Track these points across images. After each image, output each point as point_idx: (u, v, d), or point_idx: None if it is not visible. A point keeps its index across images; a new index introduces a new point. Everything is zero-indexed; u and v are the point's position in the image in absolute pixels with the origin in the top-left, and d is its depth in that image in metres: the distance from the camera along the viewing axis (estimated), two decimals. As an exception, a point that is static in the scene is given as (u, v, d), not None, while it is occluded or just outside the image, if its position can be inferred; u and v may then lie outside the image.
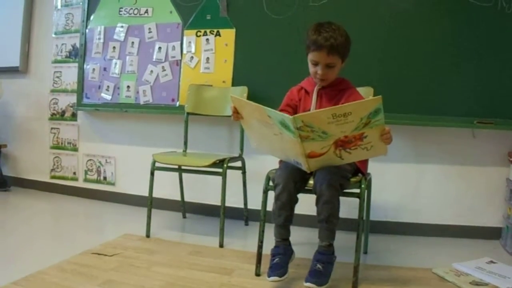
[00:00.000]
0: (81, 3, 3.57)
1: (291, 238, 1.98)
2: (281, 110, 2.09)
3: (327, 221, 1.81)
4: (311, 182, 1.90)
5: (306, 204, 1.96)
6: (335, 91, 2.05)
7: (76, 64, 3.59)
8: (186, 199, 3.15)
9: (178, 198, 3.13)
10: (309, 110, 2.05)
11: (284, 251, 1.92)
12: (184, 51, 3.19)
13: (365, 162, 2.05)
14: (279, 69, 2.91)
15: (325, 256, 1.83)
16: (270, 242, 1.99)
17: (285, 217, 1.91)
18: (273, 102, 2.03)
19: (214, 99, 3.01)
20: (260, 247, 2.05)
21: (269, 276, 1.83)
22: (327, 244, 1.85)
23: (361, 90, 2.14)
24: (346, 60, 2.02)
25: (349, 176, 1.93)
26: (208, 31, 3.12)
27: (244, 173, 2.89)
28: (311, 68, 2.01)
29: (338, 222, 1.84)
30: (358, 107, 1.61)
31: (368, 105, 1.61)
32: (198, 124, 3.15)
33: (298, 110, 2.11)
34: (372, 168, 2.18)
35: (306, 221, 2.50)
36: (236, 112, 1.89)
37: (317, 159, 1.79)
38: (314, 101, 2.06)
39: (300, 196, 1.93)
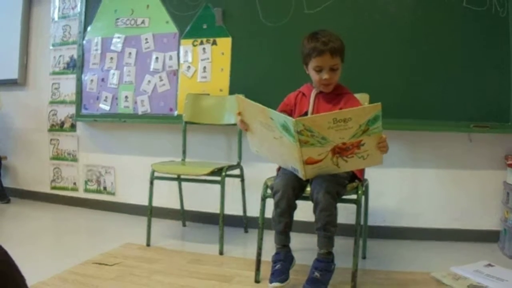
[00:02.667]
0: (78, 15, 3.60)
1: (291, 245, 2.00)
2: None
3: (325, 228, 1.83)
4: (308, 189, 1.91)
5: (305, 211, 1.97)
6: (332, 95, 2.07)
7: (74, 76, 3.61)
8: (186, 207, 3.16)
9: (178, 206, 3.14)
10: (305, 111, 2.07)
11: (284, 257, 1.94)
12: (181, 61, 3.21)
13: (361, 168, 2.07)
14: (275, 76, 2.93)
15: (323, 263, 1.85)
16: (269, 249, 2.01)
17: (285, 224, 1.93)
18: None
19: (211, 107, 3.03)
20: (259, 254, 2.05)
21: (270, 282, 1.85)
22: (326, 252, 1.86)
23: (356, 96, 2.14)
24: (343, 64, 2.06)
25: (345, 183, 1.95)
26: (204, 40, 3.14)
27: (242, 180, 2.91)
28: (315, 76, 2.01)
29: (336, 229, 1.86)
30: (359, 112, 1.64)
31: (368, 111, 1.64)
32: (196, 133, 3.16)
33: (293, 113, 2.13)
34: (369, 173, 2.21)
35: (305, 227, 2.51)
36: (242, 121, 1.93)
37: (314, 166, 1.80)
38: (311, 103, 2.07)
39: (300, 202, 1.95)
